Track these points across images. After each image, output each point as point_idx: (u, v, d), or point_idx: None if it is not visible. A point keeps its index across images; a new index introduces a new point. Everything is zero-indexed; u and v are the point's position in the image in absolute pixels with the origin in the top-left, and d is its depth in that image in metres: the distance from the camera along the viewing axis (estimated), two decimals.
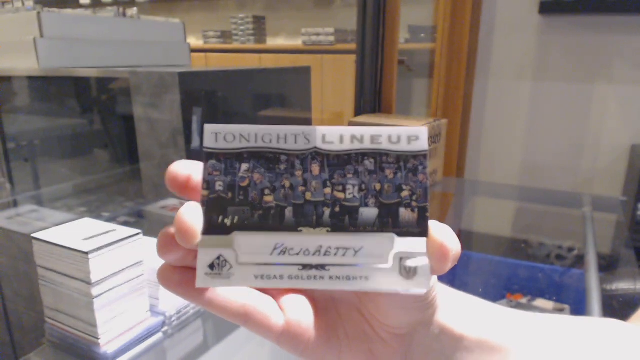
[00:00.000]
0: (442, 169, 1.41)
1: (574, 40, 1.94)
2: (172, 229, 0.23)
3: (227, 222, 0.23)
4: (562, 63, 1.98)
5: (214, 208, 0.23)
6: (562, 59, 1.97)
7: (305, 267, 0.23)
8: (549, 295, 1.09)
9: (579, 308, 1.02)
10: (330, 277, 0.22)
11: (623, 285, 0.94)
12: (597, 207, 1.22)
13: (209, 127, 0.23)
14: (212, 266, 0.22)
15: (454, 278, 1.11)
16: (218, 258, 0.22)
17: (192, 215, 0.22)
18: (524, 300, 1.09)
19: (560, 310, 1.05)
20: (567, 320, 0.31)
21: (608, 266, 1.08)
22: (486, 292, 1.13)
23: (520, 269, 1.15)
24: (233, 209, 0.23)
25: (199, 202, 0.23)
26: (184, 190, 0.23)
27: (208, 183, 0.23)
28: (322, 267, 0.23)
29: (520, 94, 2.06)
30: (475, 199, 1.63)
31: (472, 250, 1.21)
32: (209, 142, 0.23)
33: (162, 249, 0.23)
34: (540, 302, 1.07)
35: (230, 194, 0.23)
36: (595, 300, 0.78)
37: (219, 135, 0.23)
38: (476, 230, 1.57)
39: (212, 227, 0.23)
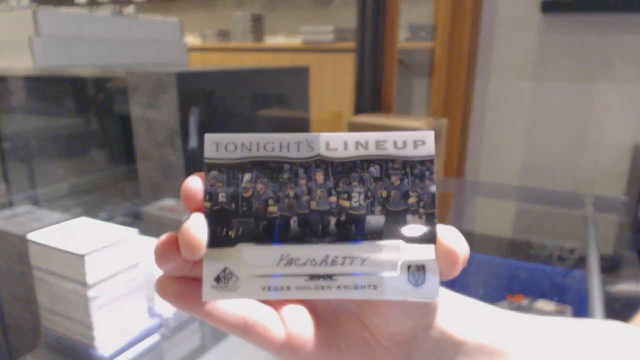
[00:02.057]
0: (442, 169, 1.40)
1: (575, 39, 1.94)
2: (170, 237, 0.22)
3: (232, 233, 0.22)
4: (563, 62, 1.97)
5: (217, 220, 0.22)
6: (564, 58, 1.97)
7: (313, 277, 0.22)
8: (550, 297, 1.09)
9: (581, 309, 1.01)
10: (338, 287, 0.22)
11: (625, 287, 0.94)
12: (598, 207, 1.22)
13: (209, 137, 0.23)
14: (218, 279, 0.22)
15: (454, 279, 1.11)
16: (224, 271, 0.22)
17: (198, 227, 0.22)
18: (525, 302, 1.08)
19: (562, 312, 1.04)
20: (568, 323, 0.31)
21: (610, 267, 1.08)
22: (487, 293, 1.13)
23: (521, 270, 1.15)
24: (237, 220, 0.22)
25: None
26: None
27: (210, 194, 0.22)
28: (329, 277, 0.22)
29: (522, 93, 2.06)
30: (476, 199, 1.62)
31: (472, 252, 1.20)
32: (209, 153, 0.23)
33: (160, 259, 0.22)
34: (541, 304, 1.07)
35: (233, 205, 0.22)
36: (597, 302, 0.78)
37: (219, 144, 0.23)
38: (477, 231, 1.57)
39: (216, 240, 0.22)
